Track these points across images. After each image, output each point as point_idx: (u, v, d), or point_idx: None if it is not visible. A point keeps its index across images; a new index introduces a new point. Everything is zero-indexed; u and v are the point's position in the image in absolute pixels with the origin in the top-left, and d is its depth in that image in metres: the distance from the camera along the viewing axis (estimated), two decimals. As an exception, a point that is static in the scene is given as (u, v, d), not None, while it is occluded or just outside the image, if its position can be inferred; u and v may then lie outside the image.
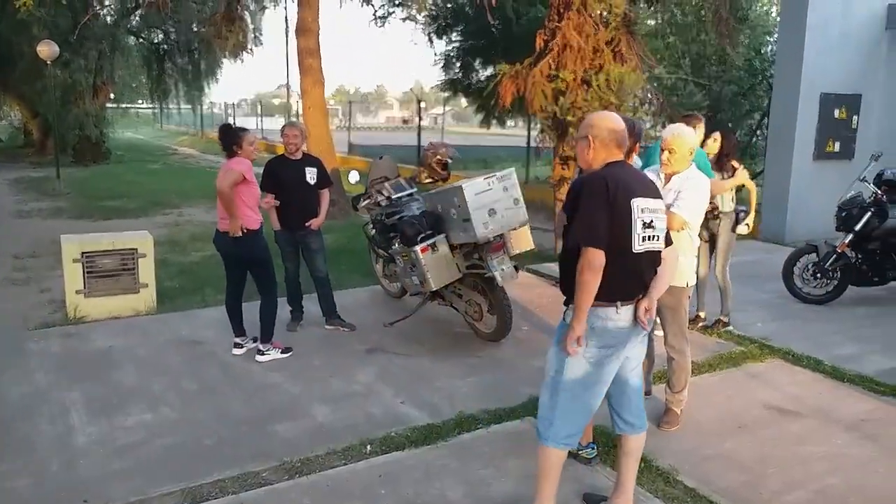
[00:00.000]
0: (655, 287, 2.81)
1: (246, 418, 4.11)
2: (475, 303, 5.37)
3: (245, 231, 4.79)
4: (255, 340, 5.17)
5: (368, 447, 3.74)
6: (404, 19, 15.74)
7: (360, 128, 49.70)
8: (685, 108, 10.69)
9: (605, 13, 8.35)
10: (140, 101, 46.03)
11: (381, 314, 6.10)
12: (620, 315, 2.71)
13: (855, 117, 9.80)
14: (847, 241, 6.39)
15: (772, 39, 12.41)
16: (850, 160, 9.80)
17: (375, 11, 15.41)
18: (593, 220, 2.58)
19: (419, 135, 19.25)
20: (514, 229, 5.06)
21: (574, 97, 8.24)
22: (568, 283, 2.72)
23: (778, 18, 14.24)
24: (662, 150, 3.74)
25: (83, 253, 5.88)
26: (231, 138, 4.81)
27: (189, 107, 36.69)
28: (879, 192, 6.34)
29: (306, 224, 5.52)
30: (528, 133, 15.62)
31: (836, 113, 9.65)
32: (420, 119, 20.06)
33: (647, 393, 4.16)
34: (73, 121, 20.13)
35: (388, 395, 4.48)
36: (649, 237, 2.70)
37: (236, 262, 5.00)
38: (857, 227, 6.34)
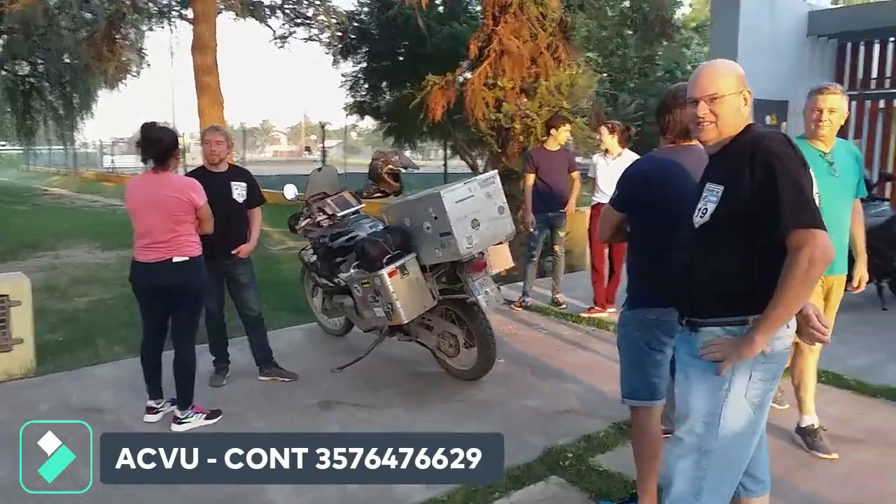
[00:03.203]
0: None
1: (176, 515, 2.98)
2: (450, 335, 4.44)
3: (188, 258, 3.82)
4: (172, 403, 4.01)
5: (360, 542, 2.72)
6: (306, 39, 14.86)
7: (248, 162, 47.77)
8: (620, 118, 10.33)
9: (541, 17, 7.82)
10: (1, 143, 42.29)
11: (326, 357, 5.04)
12: (791, 329, 1.95)
13: (784, 123, 9.73)
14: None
15: (688, 52, 12.44)
16: (780, 167, 9.72)
17: (275, 31, 14.47)
18: (807, 195, 1.80)
19: (324, 163, 18.33)
20: (500, 243, 4.21)
21: (514, 106, 7.63)
22: (712, 292, 1.95)
23: (689, 32, 14.49)
24: None
25: (-70, 304, 4.49)
26: (173, 145, 3.76)
27: (60, 146, 33.91)
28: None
29: (233, 252, 4.43)
30: (445, 158, 14.97)
31: (768, 119, 9.53)
32: (324, 147, 19.07)
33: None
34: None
35: (363, 461, 3.45)
36: None
37: (164, 297, 3.87)
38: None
